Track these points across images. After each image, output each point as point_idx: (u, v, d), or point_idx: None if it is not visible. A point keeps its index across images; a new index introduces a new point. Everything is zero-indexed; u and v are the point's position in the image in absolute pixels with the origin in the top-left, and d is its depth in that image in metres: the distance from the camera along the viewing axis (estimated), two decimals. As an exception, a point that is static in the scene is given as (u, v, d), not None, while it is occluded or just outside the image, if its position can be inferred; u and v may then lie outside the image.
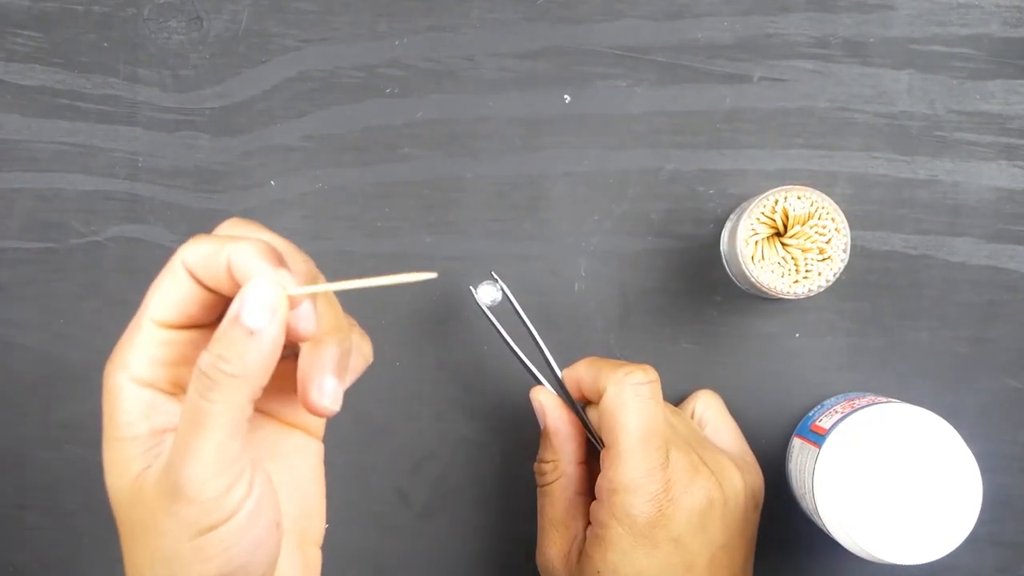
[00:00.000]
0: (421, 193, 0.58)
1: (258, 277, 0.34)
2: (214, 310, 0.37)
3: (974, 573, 0.57)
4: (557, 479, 0.50)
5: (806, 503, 0.53)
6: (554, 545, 0.50)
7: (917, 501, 0.48)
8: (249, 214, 0.58)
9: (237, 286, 0.35)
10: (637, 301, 0.58)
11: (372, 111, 0.58)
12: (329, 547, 0.60)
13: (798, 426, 0.56)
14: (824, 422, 0.52)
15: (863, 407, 0.51)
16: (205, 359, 0.34)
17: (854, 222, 0.56)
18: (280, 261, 0.35)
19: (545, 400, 0.50)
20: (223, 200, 0.58)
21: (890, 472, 0.48)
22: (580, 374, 0.50)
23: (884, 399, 0.53)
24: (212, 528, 0.34)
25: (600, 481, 0.48)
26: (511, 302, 0.53)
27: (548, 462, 0.50)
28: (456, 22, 0.58)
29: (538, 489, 0.51)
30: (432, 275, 0.35)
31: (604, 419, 0.48)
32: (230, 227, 0.38)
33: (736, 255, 0.52)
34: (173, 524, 0.34)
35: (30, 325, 0.59)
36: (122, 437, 0.35)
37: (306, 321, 0.35)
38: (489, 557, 0.59)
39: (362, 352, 0.40)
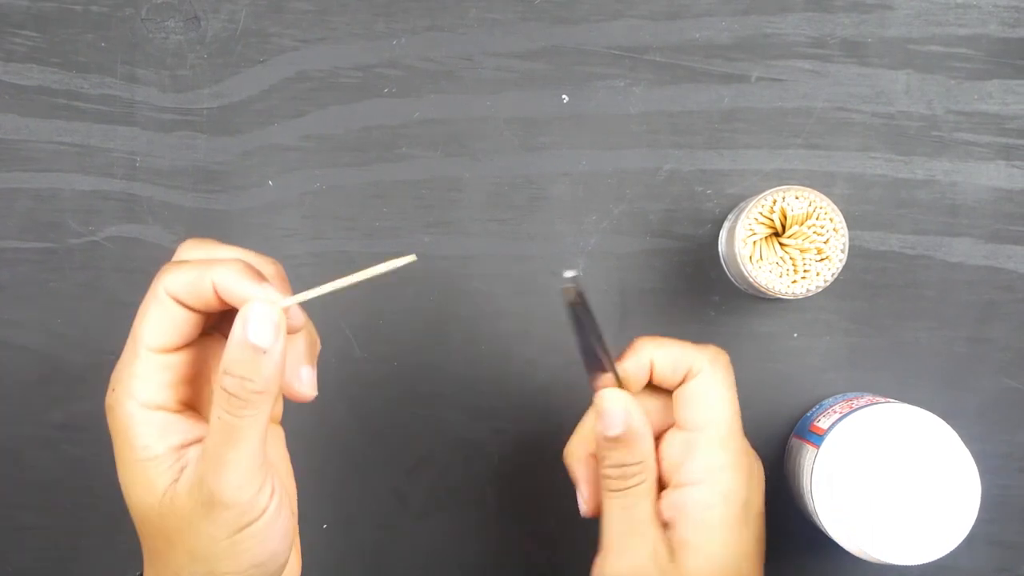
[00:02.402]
0: (419, 193, 0.58)
1: (254, 300, 0.38)
2: (199, 326, 0.40)
3: (973, 573, 0.57)
4: (647, 479, 0.47)
5: (804, 503, 0.53)
6: (644, 547, 0.46)
7: (916, 501, 0.48)
8: (247, 214, 0.58)
9: (223, 304, 0.39)
10: (635, 301, 0.57)
11: (370, 111, 0.58)
12: (328, 547, 0.60)
13: (796, 426, 0.56)
14: (822, 422, 0.52)
15: (861, 407, 0.51)
16: (230, 382, 0.38)
17: (852, 222, 0.56)
18: (260, 276, 0.39)
19: (625, 402, 0.46)
20: (221, 200, 0.58)
21: (889, 472, 0.48)
22: (654, 355, 0.47)
23: (883, 399, 0.53)
24: (249, 525, 0.39)
25: (694, 464, 0.46)
26: (583, 299, 0.46)
27: (635, 463, 0.46)
28: (454, 22, 0.58)
29: (615, 495, 0.47)
30: (411, 258, 0.39)
31: (699, 400, 0.46)
32: (190, 249, 0.42)
33: (734, 255, 0.52)
34: (211, 527, 0.39)
35: (29, 325, 0.59)
36: (143, 459, 0.39)
37: (295, 320, 0.40)
38: (486, 558, 0.59)
39: (317, 339, 0.44)
